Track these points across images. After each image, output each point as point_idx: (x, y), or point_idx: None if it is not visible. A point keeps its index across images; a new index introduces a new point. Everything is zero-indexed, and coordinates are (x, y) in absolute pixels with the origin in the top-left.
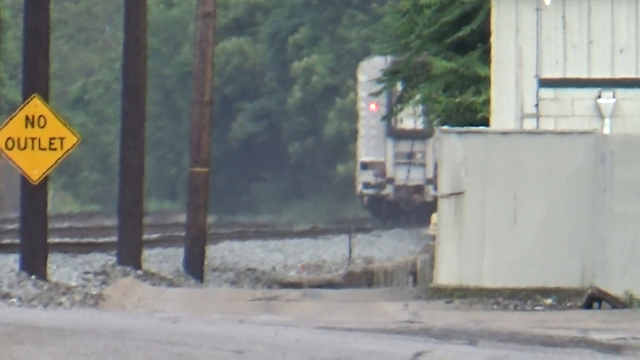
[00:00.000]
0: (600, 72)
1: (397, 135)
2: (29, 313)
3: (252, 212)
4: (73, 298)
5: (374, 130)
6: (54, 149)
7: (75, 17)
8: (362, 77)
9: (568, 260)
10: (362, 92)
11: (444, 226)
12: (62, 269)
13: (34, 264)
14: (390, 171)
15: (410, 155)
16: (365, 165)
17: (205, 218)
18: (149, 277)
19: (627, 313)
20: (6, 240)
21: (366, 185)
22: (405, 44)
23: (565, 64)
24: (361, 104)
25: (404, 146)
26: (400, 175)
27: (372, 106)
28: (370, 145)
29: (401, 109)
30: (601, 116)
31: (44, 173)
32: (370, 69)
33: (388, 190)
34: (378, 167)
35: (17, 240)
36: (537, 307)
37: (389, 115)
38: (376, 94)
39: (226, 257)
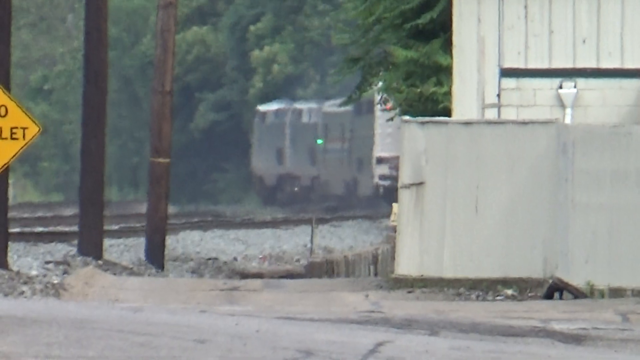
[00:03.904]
0: (561, 62)
1: None
2: None
3: (213, 202)
4: (34, 287)
5: (389, 128)
6: (16, 139)
7: (37, 5)
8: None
9: (530, 250)
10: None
11: (404, 216)
12: (23, 258)
13: None
14: None
15: None
16: (380, 160)
17: (166, 208)
18: (110, 266)
19: (588, 303)
20: None
21: (382, 177)
22: (364, 31)
23: (527, 53)
24: (377, 106)
25: None
26: None
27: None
28: (386, 142)
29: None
30: (563, 106)
31: (6, 163)
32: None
33: None
34: (392, 162)
35: None
36: (498, 298)
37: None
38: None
39: (187, 247)
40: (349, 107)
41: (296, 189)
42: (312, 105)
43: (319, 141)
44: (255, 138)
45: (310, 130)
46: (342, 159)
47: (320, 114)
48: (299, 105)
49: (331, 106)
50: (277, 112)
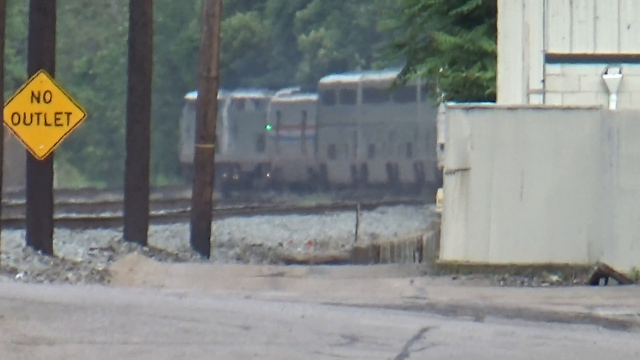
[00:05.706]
0: (606, 48)
1: None
2: (35, 288)
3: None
4: (79, 273)
5: None
6: (60, 125)
7: None
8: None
9: (574, 236)
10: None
11: (450, 202)
12: (68, 244)
13: (40, 239)
14: None
15: None
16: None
17: (211, 193)
18: (156, 252)
19: (634, 289)
20: (12, 216)
21: None
22: (410, 18)
23: (572, 39)
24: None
25: None
26: None
27: None
28: None
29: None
30: (607, 92)
31: (50, 149)
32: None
33: None
34: None
35: (23, 216)
36: (543, 284)
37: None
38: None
39: (232, 233)
40: (313, 96)
41: (235, 176)
42: (257, 94)
43: (268, 127)
44: (184, 127)
45: (254, 119)
46: (304, 146)
47: (268, 103)
48: (238, 94)
49: (285, 95)
50: None
